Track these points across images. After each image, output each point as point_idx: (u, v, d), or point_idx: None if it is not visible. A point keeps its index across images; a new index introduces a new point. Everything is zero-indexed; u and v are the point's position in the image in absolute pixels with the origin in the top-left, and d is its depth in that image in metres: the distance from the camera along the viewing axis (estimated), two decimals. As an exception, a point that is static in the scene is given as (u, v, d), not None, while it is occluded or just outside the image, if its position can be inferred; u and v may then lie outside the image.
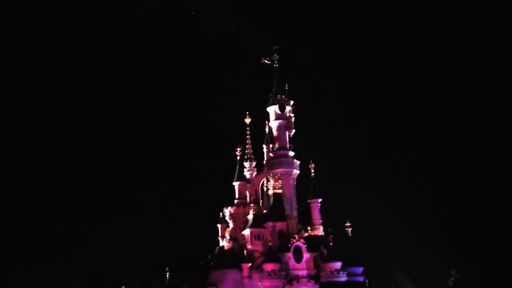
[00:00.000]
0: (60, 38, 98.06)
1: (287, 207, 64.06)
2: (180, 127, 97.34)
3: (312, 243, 62.40)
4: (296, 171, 65.50)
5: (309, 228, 64.57)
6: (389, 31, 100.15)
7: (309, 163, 66.83)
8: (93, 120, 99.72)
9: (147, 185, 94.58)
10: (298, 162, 65.78)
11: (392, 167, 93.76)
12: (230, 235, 66.24)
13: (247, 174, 68.86)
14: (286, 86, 67.36)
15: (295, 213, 64.29)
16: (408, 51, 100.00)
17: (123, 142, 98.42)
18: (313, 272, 61.19)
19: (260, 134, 69.00)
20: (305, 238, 62.72)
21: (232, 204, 67.14)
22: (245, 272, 60.75)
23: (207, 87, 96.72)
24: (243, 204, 66.67)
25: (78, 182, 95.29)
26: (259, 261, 61.08)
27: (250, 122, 69.08)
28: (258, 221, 63.39)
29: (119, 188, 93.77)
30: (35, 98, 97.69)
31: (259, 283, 59.66)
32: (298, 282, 59.78)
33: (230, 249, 65.12)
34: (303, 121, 69.01)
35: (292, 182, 65.31)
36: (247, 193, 67.41)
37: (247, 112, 68.93)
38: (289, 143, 66.44)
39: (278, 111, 66.71)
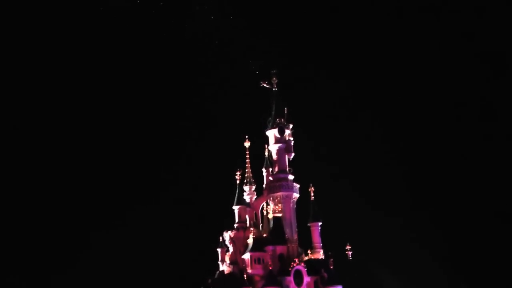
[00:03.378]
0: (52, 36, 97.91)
1: (287, 230, 63.93)
2: (178, 151, 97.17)
3: (313, 266, 62.30)
4: (296, 195, 65.40)
5: (309, 251, 64.44)
6: (393, 46, 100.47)
7: (309, 187, 67.01)
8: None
9: (144, 208, 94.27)
10: (298, 186, 65.73)
11: (393, 187, 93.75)
12: (230, 259, 65.90)
13: (246, 198, 68.73)
14: (286, 109, 67.63)
15: (295, 237, 64.14)
16: (414, 67, 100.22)
17: (121, 159, 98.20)
18: (314, 295, 61.09)
19: (259, 158, 69.01)
20: (306, 262, 62.60)
21: (232, 228, 66.89)
22: (246, 296, 60.62)
23: (206, 111, 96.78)
24: (243, 228, 66.37)
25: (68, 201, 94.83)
26: (259, 285, 60.92)
27: (249, 146, 69.17)
28: (258, 245, 63.15)
29: (116, 208, 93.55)
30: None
31: (260, 307, 59.57)
32: (299, 306, 59.79)
33: (230, 273, 64.76)
34: (303, 144, 69.29)
35: (292, 206, 65.23)
36: (247, 217, 67.22)
37: (246, 136, 69.09)
38: (289, 166, 66.43)
39: (278, 135, 66.80)
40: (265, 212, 66.40)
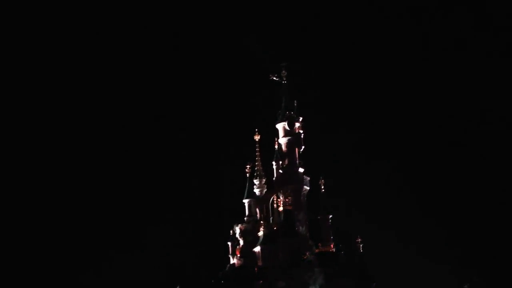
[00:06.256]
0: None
1: (297, 223, 63.82)
2: (188, 145, 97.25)
3: (324, 259, 62.20)
4: (306, 188, 65.30)
5: (320, 244, 64.40)
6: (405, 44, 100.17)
7: (319, 179, 66.90)
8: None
9: (155, 203, 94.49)
10: (308, 178, 65.67)
11: (403, 181, 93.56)
12: (240, 252, 66.05)
13: (257, 191, 68.57)
14: (295, 102, 67.42)
15: (306, 230, 64.12)
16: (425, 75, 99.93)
17: (129, 158, 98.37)
18: (325, 288, 61.01)
19: (269, 151, 68.89)
20: (317, 255, 62.55)
21: (242, 222, 67.03)
22: (257, 290, 60.66)
23: (216, 104, 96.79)
24: (254, 221, 66.45)
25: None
26: (270, 278, 60.88)
27: (259, 139, 69.02)
28: (269, 238, 63.19)
29: (128, 204, 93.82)
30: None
31: (271, 301, 59.58)
32: (310, 299, 59.71)
33: (241, 267, 64.91)
34: (313, 137, 69.15)
35: (302, 199, 65.11)
36: (257, 210, 67.12)
37: (256, 129, 68.98)
38: (299, 159, 66.27)
39: (287, 128, 66.60)
40: (275, 205, 66.40)
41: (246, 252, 65.25)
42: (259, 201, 67.56)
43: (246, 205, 67.98)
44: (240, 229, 66.58)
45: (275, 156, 68.69)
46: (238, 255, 66.00)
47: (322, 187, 66.71)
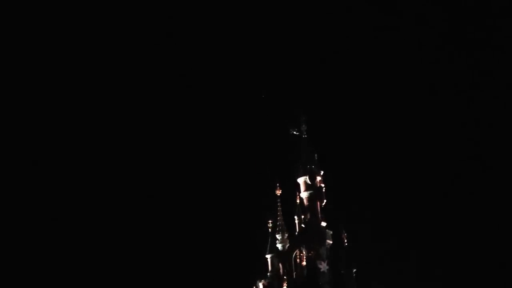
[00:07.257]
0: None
1: (321, 278, 63.31)
2: (210, 201, 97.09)
3: (349, 314, 61.63)
4: (329, 241, 64.87)
5: (344, 299, 63.82)
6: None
7: (341, 233, 66.47)
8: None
9: (176, 262, 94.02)
10: (331, 232, 65.31)
11: (427, 230, 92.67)
12: (264, 308, 65.51)
13: (279, 246, 68.15)
14: (316, 156, 67.55)
15: (329, 284, 63.48)
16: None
17: (150, 217, 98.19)
18: None
19: (291, 205, 68.75)
20: (341, 310, 61.98)
21: (265, 277, 66.56)
22: None
23: (236, 160, 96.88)
24: (277, 276, 66.01)
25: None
26: (295, 334, 60.28)
27: (280, 194, 68.99)
28: (293, 294, 62.78)
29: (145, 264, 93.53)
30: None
31: None
32: None
33: (265, 323, 64.34)
34: (335, 190, 68.91)
35: (326, 253, 64.65)
36: (280, 265, 66.71)
37: (278, 184, 68.98)
38: (321, 213, 66.08)
39: (308, 182, 66.58)
40: (298, 260, 65.98)
41: (270, 308, 64.85)
42: (282, 256, 67.19)
43: (269, 260, 67.48)
44: (264, 284, 66.08)
45: (296, 210, 68.63)
46: (262, 311, 65.48)
47: (345, 240, 66.26)
